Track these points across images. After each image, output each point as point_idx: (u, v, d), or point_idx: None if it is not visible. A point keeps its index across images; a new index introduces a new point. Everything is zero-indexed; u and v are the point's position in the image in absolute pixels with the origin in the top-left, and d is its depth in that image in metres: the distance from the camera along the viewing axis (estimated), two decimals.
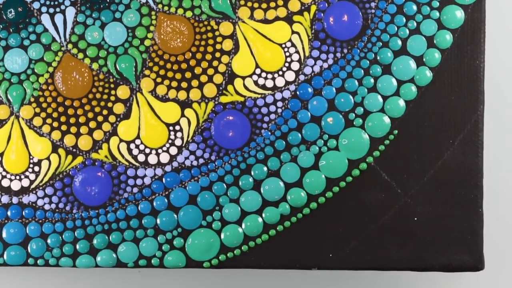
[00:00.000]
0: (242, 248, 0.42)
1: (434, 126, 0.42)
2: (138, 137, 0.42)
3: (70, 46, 0.42)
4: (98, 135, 0.42)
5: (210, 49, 0.42)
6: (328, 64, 0.42)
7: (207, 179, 0.42)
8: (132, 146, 0.42)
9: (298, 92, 0.42)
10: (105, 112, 0.42)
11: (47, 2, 0.42)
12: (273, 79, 0.42)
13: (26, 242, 0.42)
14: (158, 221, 0.42)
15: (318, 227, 0.42)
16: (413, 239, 0.42)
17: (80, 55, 0.42)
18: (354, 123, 0.42)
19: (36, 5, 0.42)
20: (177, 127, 0.42)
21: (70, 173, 0.42)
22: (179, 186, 0.42)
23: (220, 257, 0.42)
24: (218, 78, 0.42)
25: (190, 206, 0.42)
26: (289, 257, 0.42)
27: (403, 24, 0.42)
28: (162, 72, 0.42)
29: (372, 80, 0.42)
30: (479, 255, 0.42)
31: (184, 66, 0.42)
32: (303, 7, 0.42)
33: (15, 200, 0.42)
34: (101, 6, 0.42)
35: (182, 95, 0.42)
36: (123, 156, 0.42)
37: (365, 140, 0.42)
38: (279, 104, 0.42)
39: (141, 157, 0.42)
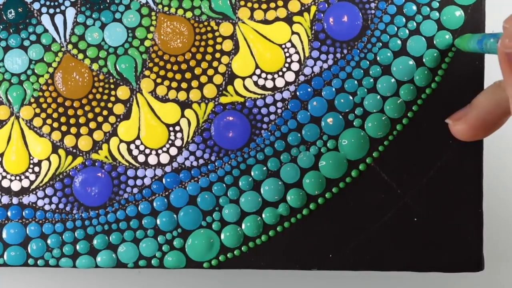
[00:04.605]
0: (242, 248, 0.42)
1: (434, 127, 0.42)
2: (138, 137, 0.42)
3: (70, 46, 0.42)
4: (98, 135, 0.42)
5: (210, 49, 0.42)
6: (328, 65, 0.42)
7: (207, 179, 0.42)
8: (132, 146, 0.42)
9: (298, 93, 0.42)
10: (105, 112, 0.42)
11: (47, 3, 0.42)
12: (273, 79, 0.42)
13: (26, 242, 0.42)
14: (158, 221, 0.42)
15: (317, 227, 0.42)
16: (413, 239, 0.42)
17: (80, 56, 0.42)
18: (354, 123, 0.42)
19: (36, 5, 0.42)
20: (177, 128, 0.42)
21: (70, 173, 0.42)
22: (179, 186, 0.42)
23: (220, 258, 0.42)
24: (218, 79, 0.42)
25: (190, 206, 0.42)
26: (289, 257, 0.42)
27: (403, 24, 0.42)
28: (162, 72, 0.42)
29: (371, 81, 0.42)
30: (479, 255, 0.42)
31: (184, 66, 0.42)
32: (303, 8, 0.42)
33: (15, 200, 0.42)
34: (101, 6, 0.42)
35: (182, 96, 0.42)
36: (123, 157, 0.42)
37: (365, 141, 0.42)
38: (279, 104, 0.42)
39: (141, 158, 0.42)
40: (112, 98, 0.42)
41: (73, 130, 0.42)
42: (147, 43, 0.42)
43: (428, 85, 0.42)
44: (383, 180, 0.42)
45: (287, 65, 0.42)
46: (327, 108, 0.42)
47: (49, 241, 0.42)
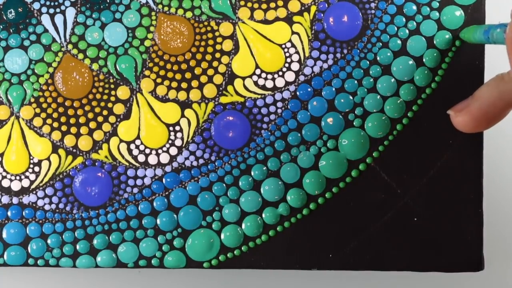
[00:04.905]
0: (242, 248, 0.42)
1: (434, 127, 0.42)
2: (138, 137, 0.42)
3: (70, 46, 0.42)
4: (98, 135, 0.42)
5: (210, 49, 0.42)
6: (328, 65, 0.42)
7: (207, 179, 0.42)
8: (132, 146, 0.42)
9: (298, 93, 0.42)
10: (105, 112, 0.42)
11: (47, 3, 0.42)
12: (273, 79, 0.42)
13: (26, 242, 0.42)
14: (158, 221, 0.42)
15: (317, 227, 0.42)
16: (413, 239, 0.42)
17: (80, 56, 0.42)
18: (354, 123, 0.42)
19: (36, 5, 0.42)
20: (177, 128, 0.42)
21: (70, 173, 0.42)
22: (179, 186, 0.42)
23: (220, 257, 0.42)
24: (218, 79, 0.42)
25: (190, 206, 0.42)
26: (289, 257, 0.42)
27: (403, 24, 0.42)
28: (162, 72, 0.42)
29: (371, 81, 0.42)
30: (479, 255, 0.42)
31: (184, 66, 0.42)
32: (303, 8, 0.42)
33: (15, 200, 0.42)
34: (101, 6, 0.42)
35: (182, 96, 0.42)
36: (123, 157, 0.42)
37: (365, 141, 0.42)
38: (279, 104, 0.42)
39: (141, 158, 0.42)
40: (112, 98, 0.42)
41: (73, 130, 0.42)
42: (147, 43, 0.42)
43: (428, 85, 0.42)
44: (383, 180, 0.42)
45: (287, 65, 0.42)
46: (327, 108, 0.42)
47: (49, 241, 0.42)
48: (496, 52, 0.46)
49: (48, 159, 0.42)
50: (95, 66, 0.42)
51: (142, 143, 0.42)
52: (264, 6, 0.42)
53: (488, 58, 0.43)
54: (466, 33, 0.41)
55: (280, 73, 0.42)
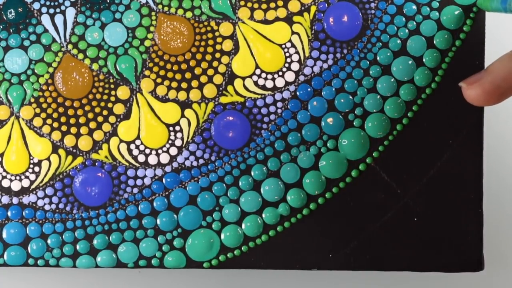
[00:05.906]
0: (242, 248, 0.42)
1: (434, 127, 0.42)
2: (138, 137, 0.42)
3: (70, 46, 0.42)
4: (98, 135, 0.42)
5: (210, 49, 0.42)
6: (328, 65, 0.42)
7: (207, 179, 0.42)
8: (132, 146, 0.42)
9: (298, 93, 0.42)
10: (105, 112, 0.42)
11: (47, 3, 0.42)
12: (273, 79, 0.42)
13: (26, 242, 0.42)
14: (158, 221, 0.42)
15: (318, 227, 0.42)
16: (413, 239, 0.42)
17: (80, 56, 0.42)
18: (354, 123, 0.42)
19: (36, 5, 0.42)
20: (177, 128, 0.42)
21: (70, 173, 0.42)
22: (179, 186, 0.42)
23: (220, 258, 0.42)
24: (218, 79, 0.42)
25: (190, 206, 0.42)
26: (289, 257, 0.42)
27: (403, 24, 0.42)
28: (162, 72, 0.42)
29: (371, 81, 0.42)
30: (479, 255, 0.42)
31: (184, 66, 0.42)
32: (303, 8, 0.42)
33: (15, 200, 0.42)
34: (101, 6, 0.42)
35: (182, 96, 0.42)
36: (123, 157, 0.42)
37: (365, 141, 0.42)
38: (279, 104, 0.42)
39: (141, 158, 0.42)
40: (112, 98, 0.42)
41: (73, 130, 0.42)
42: (147, 43, 0.42)
43: (428, 85, 0.42)
44: (383, 180, 0.42)
45: (287, 65, 0.42)
46: (327, 108, 0.42)
47: (49, 241, 0.42)
48: (496, 51, 0.46)
49: (48, 159, 0.42)
50: (95, 66, 0.42)
51: (142, 143, 0.42)
52: (264, 6, 0.42)
53: (488, 58, 0.43)
54: (483, 1, 0.40)
55: (280, 73, 0.42)
